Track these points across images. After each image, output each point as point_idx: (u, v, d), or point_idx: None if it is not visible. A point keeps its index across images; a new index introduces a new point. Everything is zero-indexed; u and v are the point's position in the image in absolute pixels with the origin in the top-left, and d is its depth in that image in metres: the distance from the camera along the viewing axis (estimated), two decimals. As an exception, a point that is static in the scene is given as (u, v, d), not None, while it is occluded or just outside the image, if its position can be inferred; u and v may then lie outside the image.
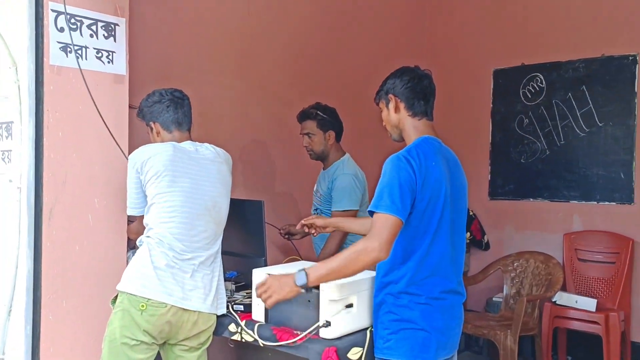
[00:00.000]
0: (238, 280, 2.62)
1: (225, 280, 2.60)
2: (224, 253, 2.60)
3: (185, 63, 3.14)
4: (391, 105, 2.09)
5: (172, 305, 2.10)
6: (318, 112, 3.03)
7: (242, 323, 2.26)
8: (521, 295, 3.87)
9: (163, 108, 2.30)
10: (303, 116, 3.08)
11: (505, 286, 4.10)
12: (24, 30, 2.23)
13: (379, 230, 1.82)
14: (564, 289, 3.95)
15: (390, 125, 2.12)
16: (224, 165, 2.34)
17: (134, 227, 2.38)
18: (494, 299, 4.21)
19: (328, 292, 2.04)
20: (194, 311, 2.16)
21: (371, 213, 1.89)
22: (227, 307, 2.35)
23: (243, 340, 2.25)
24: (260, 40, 3.53)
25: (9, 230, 2.35)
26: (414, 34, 4.86)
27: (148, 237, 2.17)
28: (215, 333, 2.34)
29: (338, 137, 3.08)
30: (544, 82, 4.37)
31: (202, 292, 2.18)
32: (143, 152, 2.20)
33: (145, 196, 2.21)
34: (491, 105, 4.64)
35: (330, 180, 2.99)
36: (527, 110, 4.46)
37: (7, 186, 2.39)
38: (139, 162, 2.18)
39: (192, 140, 2.35)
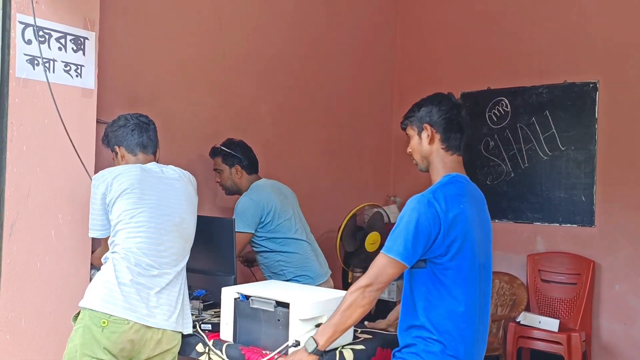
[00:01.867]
0: (206, 298, 2.58)
1: (192, 299, 2.56)
2: (193, 271, 2.56)
3: (156, 78, 3.11)
4: (425, 135, 1.94)
5: (135, 322, 2.05)
6: (222, 147, 3.08)
7: (210, 343, 2.22)
8: (486, 316, 3.91)
9: (128, 132, 2.31)
10: (211, 153, 3.15)
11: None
12: (-11, 40, 2.19)
13: (378, 271, 1.81)
14: (528, 309, 4.02)
15: (420, 155, 1.98)
16: (189, 185, 2.35)
17: (99, 252, 2.33)
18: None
19: (298, 311, 2.03)
20: (158, 329, 2.11)
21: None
22: (195, 327, 2.31)
23: (210, 360, 2.22)
24: (231, 56, 3.53)
25: (-33, 246, 2.28)
26: (382, 59, 4.93)
27: (113, 252, 2.13)
28: (182, 353, 2.29)
29: (249, 170, 3.09)
30: (509, 106, 4.48)
31: (166, 310, 2.14)
32: (110, 172, 2.18)
33: (109, 219, 2.17)
34: (458, 128, 4.72)
35: None
36: (492, 133, 4.55)
37: (-33, 200, 2.31)
38: (106, 180, 2.15)
39: (157, 162, 2.35)
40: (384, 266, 1.81)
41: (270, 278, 3.03)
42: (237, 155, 3.07)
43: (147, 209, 2.16)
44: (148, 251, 2.13)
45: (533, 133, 4.36)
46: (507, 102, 4.49)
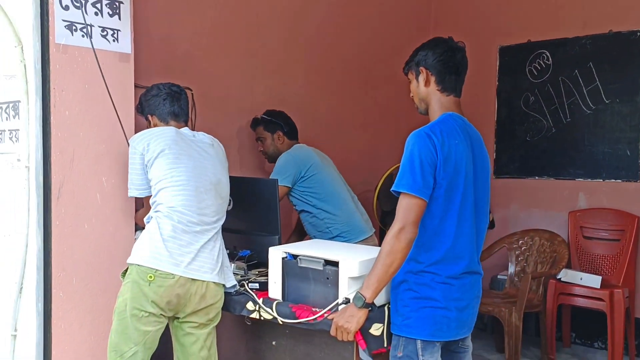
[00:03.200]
0: (251, 258, 2.62)
1: (237, 259, 2.62)
2: (236, 232, 2.63)
3: (191, 42, 3.12)
4: (421, 78, 2.02)
5: (180, 276, 2.12)
6: (263, 116, 3.21)
7: (260, 301, 2.27)
8: (526, 273, 3.88)
9: (160, 101, 2.39)
10: (253, 123, 3.27)
11: (510, 264, 4.12)
12: (28, 8, 2.22)
13: (403, 214, 1.84)
14: (569, 266, 3.97)
15: (419, 98, 2.06)
16: (219, 149, 2.42)
17: (142, 213, 2.41)
18: (498, 276, 4.23)
19: (347, 269, 2.05)
20: (202, 282, 2.18)
21: (395, 192, 1.88)
22: (243, 285, 2.37)
23: (261, 318, 2.27)
24: (266, 16, 3.50)
25: (19, 209, 2.37)
26: (418, 11, 4.80)
27: (157, 211, 2.20)
28: (233, 311, 2.36)
29: (290, 136, 3.21)
30: (550, 59, 4.33)
31: (209, 263, 2.21)
32: (147, 132, 2.26)
33: (148, 179, 2.24)
34: (497, 83, 4.61)
35: None
36: (533, 88, 4.42)
37: (16, 165, 2.40)
38: (143, 141, 2.22)
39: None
40: (406, 205, 1.84)
41: (316, 237, 3.08)
42: (278, 122, 3.18)
43: (185, 168, 2.22)
44: (190, 208, 2.19)
45: (575, 86, 4.21)
46: (548, 54, 4.34)
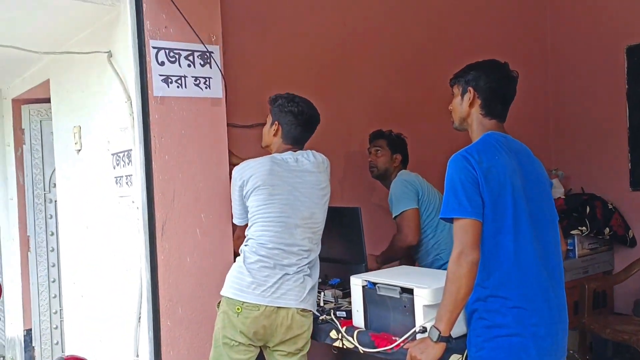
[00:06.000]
0: (340, 287, 2.67)
1: (328, 287, 2.68)
2: (327, 260, 2.68)
3: (284, 79, 3.27)
4: (467, 97, 2.01)
5: (266, 307, 2.23)
6: (391, 132, 3.21)
7: (343, 330, 2.31)
8: (671, 296, 3.44)
9: (295, 123, 2.46)
10: (377, 134, 3.26)
11: (653, 286, 3.68)
12: (131, 67, 2.51)
13: (459, 238, 1.80)
14: None
15: (459, 115, 2.05)
16: (322, 175, 2.45)
17: (237, 233, 2.58)
18: (642, 300, 3.79)
19: (422, 297, 2.02)
20: (287, 311, 2.26)
21: (444, 220, 1.85)
22: (329, 314, 2.42)
23: (344, 346, 2.30)
24: (357, 49, 3.56)
25: (134, 246, 2.65)
26: (533, 13, 4.54)
27: (247, 245, 2.35)
28: (318, 339, 2.42)
29: (404, 163, 3.21)
30: (687, 55, 3.86)
31: (295, 292, 2.30)
32: (245, 169, 2.39)
33: (246, 209, 2.40)
34: (626, 86, 4.19)
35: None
36: (669, 88, 3.97)
37: (131, 206, 2.69)
38: (243, 177, 2.38)
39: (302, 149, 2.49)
40: (458, 229, 1.80)
41: (425, 265, 3.04)
42: (403, 146, 3.23)
43: (278, 203, 2.33)
44: (277, 244, 2.30)
45: None
46: (684, 50, 3.88)
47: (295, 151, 2.48)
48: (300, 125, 2.46)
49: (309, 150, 2.50)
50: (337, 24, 3.49)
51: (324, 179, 2.45)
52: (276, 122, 2.49)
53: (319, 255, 2.47)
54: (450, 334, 1.84)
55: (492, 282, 1.84)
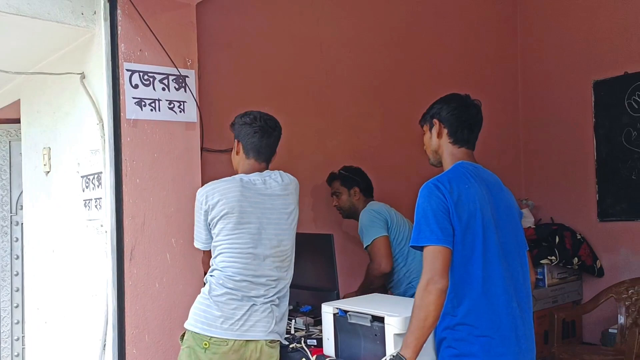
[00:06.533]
0: (312, 314, 2.64)
1: (300, 314, 2.64)
2: (299, 287, 2.64)
3: (259, 106, 3.26)
4: (434, 130, 2.06)
5: (235, 341, 2.16)
6: (341, 171, 3.26)
7: (313, 358, 2.27)
8: (638, 326, 3.49)
9: (250, 133, 2.34)
10: (330, 178, 3.32)
11: (620, 316, 3.72)
12: (104, 90, 2.49)
13: (428, 265, 1.80)
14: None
15: (431, 149, 2.10)
16: (290, 197, 2.35)
17: (203, 258, 2.47)
18: (610, 330, 3.83)
19: (393, 325, 2.00)
20: (256, 343, 2.20)
21: (415, 248, 1.86)
22: (300, 342, 2.38)
23: (314, 375, 2.27)
24: (334, 74, 3.60)
25: (101, 271, 2.59)
26: (504, 47, 4.68)
27: (212, 275, 2.26)
28: (287, 368, 2.38)
29: (366, 193, 3.24)
30: (651, 90, 4.00)
31: (264, 323, 2.22)
32: (211, 193, 2.25)
33: (211, 235, 2.29)
34: (594, 119, 4.31)
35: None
36: (634, 122, 4.09)
37: (99, 230, 2.64)
38: (207, 202, 2.24)
39: (268, 169, 2.39)
40: (428, 256, 1.81)
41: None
42: (356, 178, 3.24)
43: (246, 234, 2.23)
44: (245, 275, 2.21)
45: (682, 117, 3.85)
46: (648, 85, 4.01)
47: (262, 169, 2.37)
48: (257, 132, 2.33)
49: (277, 171, 2.40)
50: (313, 51, 3.53)
51: (291, 201, 2.35)
52: (236, 141, 2.38)
53: (292, 281, 2.43)
54: None
55: (461, 310, 1.85)
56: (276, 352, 2.29)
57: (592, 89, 4.31)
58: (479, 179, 1.95)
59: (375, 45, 3.83)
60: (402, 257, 3.02)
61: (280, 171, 2.40)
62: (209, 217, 2.26)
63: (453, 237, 1.82)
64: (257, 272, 2.24)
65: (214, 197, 2.24)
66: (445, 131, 2.04)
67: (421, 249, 1.84)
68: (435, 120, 2.06)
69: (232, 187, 2.26)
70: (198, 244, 2.36)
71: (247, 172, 2.34)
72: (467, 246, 1.84)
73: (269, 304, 2.26)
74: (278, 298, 2.30)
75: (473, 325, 1.83)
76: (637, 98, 4.07)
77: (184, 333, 2.25)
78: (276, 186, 2.32)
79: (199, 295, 2.27)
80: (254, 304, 2.22)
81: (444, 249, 1.80)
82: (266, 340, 2.23)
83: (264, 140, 2.34)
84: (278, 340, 2.29)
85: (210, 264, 2.31)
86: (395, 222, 3.04)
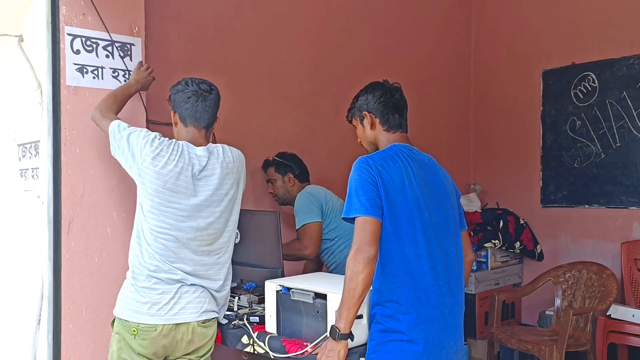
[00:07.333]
0: (256, 291, 2.61)
1: (244, 292, 2.61)
2: (244, 264, 2.61)
3: (210, 78, 3.20)
4: (366, 122, 2.10)
5: (164, 325, 2.09)
6: (275, 157, 3.21)
7: (255, 335, 2.26)
8: (572, 308, 3.62)
9: (184, 99, 2.21)
10: (264, 165, 3.28)
11: (556, 298, 3.86)
12: (43, 54, 2.36)
13: (357, 235, 1.84)
14: (622, 301, 3.67)
15: (367, 141, 2.13)
16: (229, 177, 2.23)
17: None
18: (546, 312, 3.97)
19: (335, 302, 2.01)
20: (187, 324, 2.13)
21: (346, 220, 1.90)
22: (242, 319, 2.36)
23: (255, 352, 2.25)
24: (286, 50, 3.55)
25: (37, 244, 2.49)
26: (457, 35, 4.73)
27: (133, 260, 2.15)
28: (229, 344, 2.35)
29: (301, 178, 3.20)
30: (596, 82, 4.11)
31: (194, 307, 2.16)
32: (155, 152, 2.12)
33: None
34: (541, 108, 4.42)
35: None
36: (579, 112, 4.21)
37: (35, 201, 2.53)
38: (144, 159, 2.11)
39: (211, 140, 2.28)
40: (357, 227, 1.84)
41: (336, 269, 3.03)
42: (290, 164, 3.18)
43: (171, 215, 2.12)
44: (167, 260, 2.12)
45: (625, 109, 3.97)
46: (594, 77, 4.12)
47: (203, 137, 2.24)
48: (191, 97, 2.19)
49: (221, 146, 2.27)
50: (267, 26, 3.46)
51: (228, 182, 2.22)
52: (172, 112, 2.26)
53: (234, 259, 2.39)
54: (350, 332, 1.85)
55: (388, 287, 1.88)
56: (211, 330, 2.23)
57: (542, 78, 4.40)
58: (411, 159, 1.99)
59: (329, 24, 3.78)
60: (343, 240, 3.00)
61: (225, 145, 2.30)
62: (138, 182, 2.14)
63: (382, 210, 1.85)
64: (180, 255, 2.13)
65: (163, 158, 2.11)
66: (377, 120, 2.08)
67: (352, 221, 1.86)
68: (365, 113, 2.09)
69: (173, 159, 2.12)
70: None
71: (191, 142, 2.22)
72: (394, 224, 1.87)
73: (198, 286, 2.17)
74: (210, 277, 2.22)
75: (399, 303, 1.87)
76: (582, 89, 4.19)
77: (114, 319, 2.18)
78: (217, 167, 2.20)
79: (125, 281, 2.18)
80: (182, 286, 2.14)
81: (372, 220, 1.83)
82: (198, 321, 2.16)
83: (199, 105, 2.21)
84: (213, 318, 2.24)
85: (133, 234, 2.20)
86: (331, 207, 3.02)
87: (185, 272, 2.14)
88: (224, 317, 2.34)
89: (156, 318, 2.09)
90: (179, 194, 2.13)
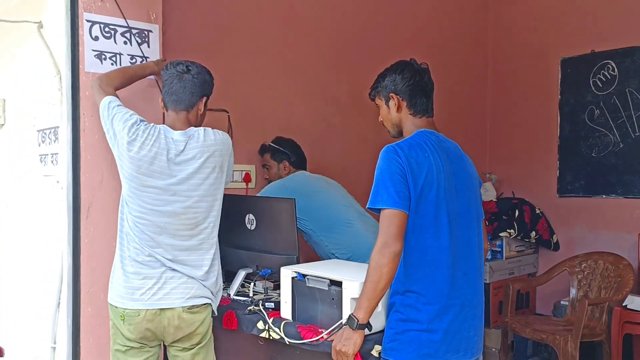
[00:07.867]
0: (272, 278, 2.63)
1: (259, 278, 2.63)
2: (258, 250, 2.63)
3: (228, 66, 3.21)
4: (392, 104, 2.04)
5: (147, 310, 2.09)
6: (271, 144, 3.15)
7: (270, 320, 2.28)
8: (588, 299, 3.61)
9: (167, 83, 2.19)
10: (261, 150, 3.23)
11: (571, 288, 3.85)
12: (62, 40, 2.39)
13: (384, 228, 1.82)
14: (639, 292, 3.64)
15: (391, 123, 2.08)
16: (210, 160, 2.15)
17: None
18: (561, 302, 3.96)
19: (350, 289, 2.02)
20: (172, 310, 2.11)
21: (371, 210, 1.87)
22: (258, 304, 2.38)
23: (271, 337, 2.27)
24: (304, 39, 3.54)
25: (57, 228, 2.52)
26: (475, 23, 4.68)
27: (120, 241, 2.17)
28: (245, 330, 2.37)
29: (297, 165, 3.13)
30: (616, 70, 4.05)
31: (180, 292, 2.13)
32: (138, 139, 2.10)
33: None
34: (559, 97, 4.37)
35: None
36: (597, 101, 4.15)
37: (55, 186, 2.56)
38: (123, 143, 2.10)
39: (192, 124, 2.20)
40: (384, 220, 1.82)
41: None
42: (286, 151, 3.13)
43: (147, 198, 2.10)
44: (147, 245, 2.11)
45: (645, 98, 3.92)
46: (613, 65, 4.06)
47: (183, 120, 2.18)
48: (168, 79, 2.16)
49: (204, 128, 2.18)
50: (283, 12, 3.45)
51: (209, 165, 2.14)
52: (161, 98, 2.23)
53: (250, 246, 2.39)
54: (369, 322, 1.86)
55: (410, 277, 1.87)
56: (200, 317, 2.17)
57: (560, 66, 4.35)
58: (439, 147, 1.95)
59: (346, 11, 3.77)
60: (320, 231, 2.89)
61: (208, 129, 2.20)
62: (118, 164, 2.15)
63: (409, 202, 1.83)
64: (158, 240, 2.11)
65: (130, 147, 2.10)
66: (404, 104, 2.01)
67: (378, 211, 1.85)
68: (392, 94, 2.02)
69: (148, 144, 2.10)
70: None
71: (170, 126, 2.18)
72: (420, 214, 1.85)
73: (180, 273, 2.14)
74: (194, 268, 2.17)
75: (420, 293, 1.86)
76: (601, 77, 4.13)
77: None
78: (195, 148, 2.13)
79: (113, 266, 2.20)
80: (165, 270, 2.12)
81: (400, 213, 1.81)
82: (183, 307, 2.12)
83: (174, 86, 2.16)
84: (204, 304, 2.19)
85: (119, 217, 2.20)
86: (314, 198, 2.89)
87: (166, 258, 2.12)
88: (240, 302, 2.36)
89: (139, 303, 2.09)
90: (154, 178, 2.10)
